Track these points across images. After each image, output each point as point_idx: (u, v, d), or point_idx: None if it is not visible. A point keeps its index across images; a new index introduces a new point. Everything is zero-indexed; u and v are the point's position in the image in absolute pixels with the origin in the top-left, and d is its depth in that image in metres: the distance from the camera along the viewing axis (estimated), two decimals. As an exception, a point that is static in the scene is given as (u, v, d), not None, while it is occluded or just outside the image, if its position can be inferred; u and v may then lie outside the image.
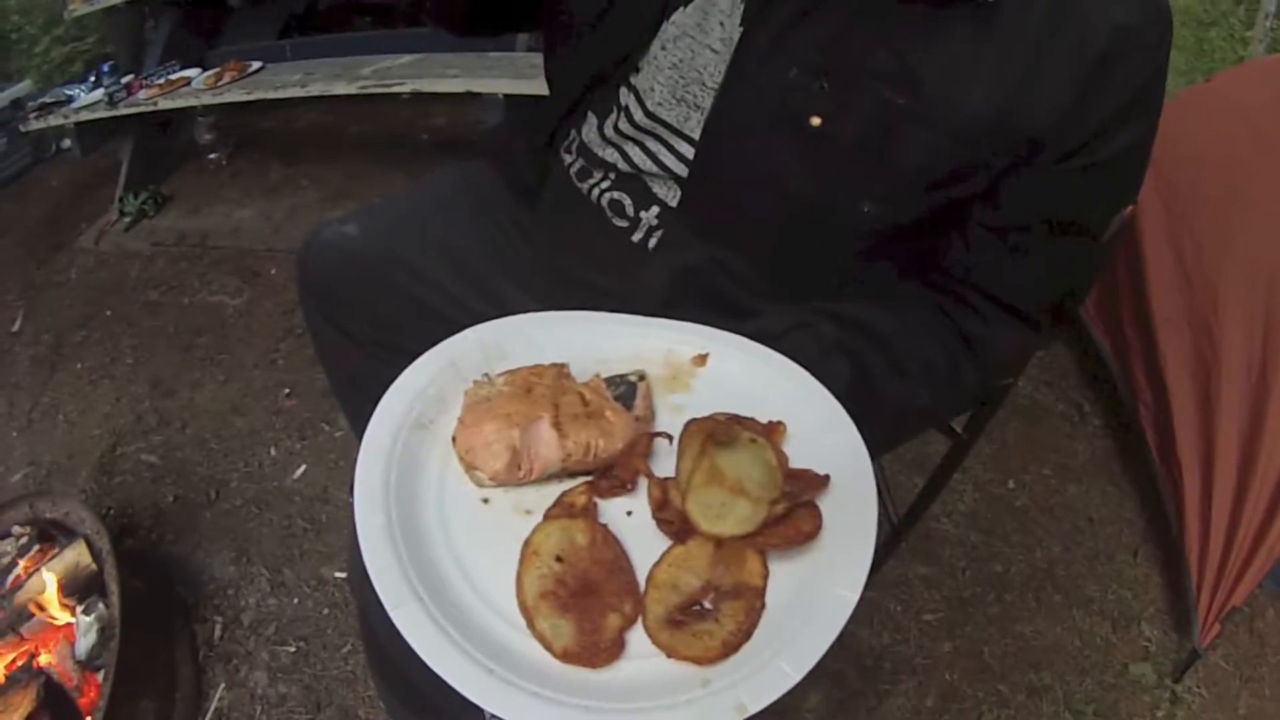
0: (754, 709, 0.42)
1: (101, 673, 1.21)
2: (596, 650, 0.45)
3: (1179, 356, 1.63)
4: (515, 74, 2.33)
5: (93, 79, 3.12)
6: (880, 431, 0.65)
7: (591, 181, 0.83)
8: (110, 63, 3.01)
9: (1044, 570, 1.62)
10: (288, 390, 2.02)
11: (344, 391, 1.01)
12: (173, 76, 2.91)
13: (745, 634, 0.45)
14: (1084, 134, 0.64)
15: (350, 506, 0.54)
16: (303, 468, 1.81)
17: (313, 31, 3.32)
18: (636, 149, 0.79)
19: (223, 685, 1.41)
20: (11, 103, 3.71)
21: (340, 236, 0.92)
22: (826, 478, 0.51)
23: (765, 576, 0.48)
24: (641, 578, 0.50)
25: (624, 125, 0.79)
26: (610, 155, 0.81)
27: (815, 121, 0.66)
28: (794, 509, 0.49)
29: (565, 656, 0.45)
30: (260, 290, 2.45)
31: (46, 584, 1.28)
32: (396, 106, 3.43)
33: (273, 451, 1.86)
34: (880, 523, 0.49)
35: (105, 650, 1.23)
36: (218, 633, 1.49)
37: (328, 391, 1.86)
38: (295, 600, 1.54)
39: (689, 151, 0.74)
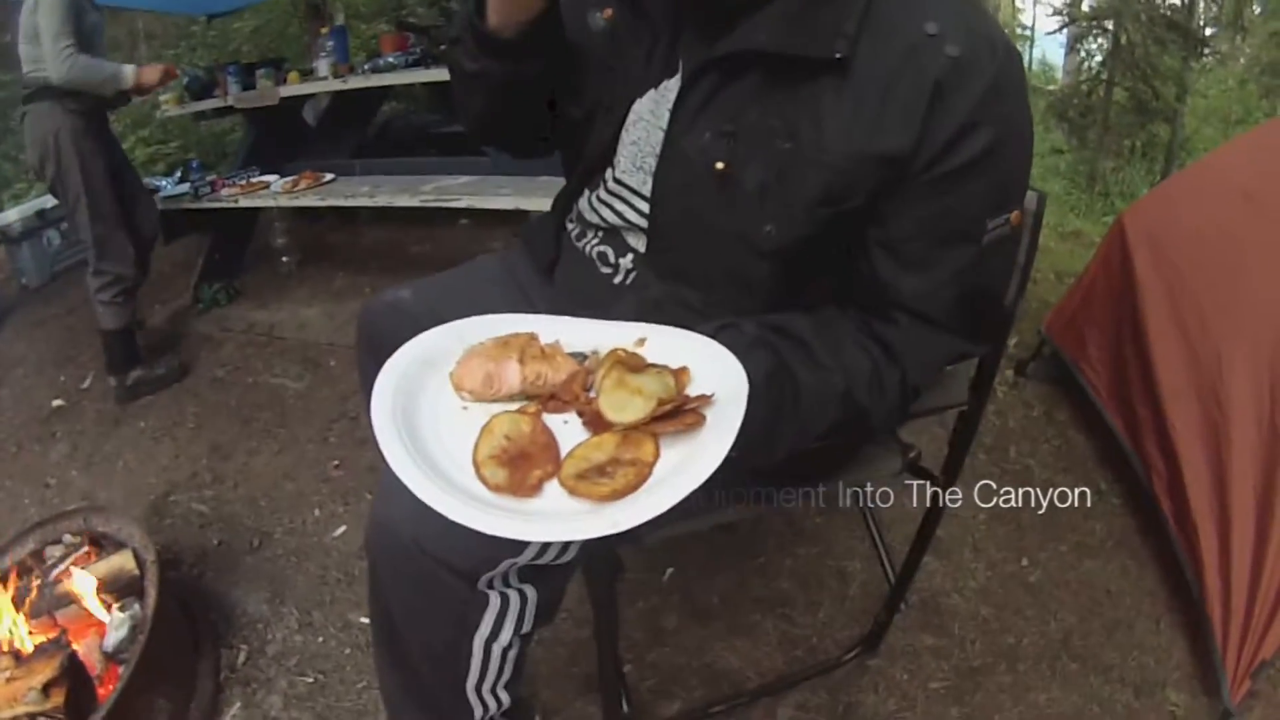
0: (625, 525, 0.59)
1: (125, 666, 1.28)
2: (521, 487, 0.64)
3: (1188, 424, 1.64)
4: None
5: (179, 174, 3.44)
6: (806, 413, 0.82)
7: (585, 240, 1.05)
8: (197, 161, 3.35)
9: (1059, 641, 1.56)
10: (336, 463, 2.12)
11: None
12: (253, 179, 3.21)
13: (632, 488, 0.63)
14: (934, 148, 0.78)
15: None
16: (343, 528, 1.89)
17: (382, 155, 3.64)
18: (609, 210, 1.00)
19: (238, 704, 1.46)
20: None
21: (396, 298, 1.17)
22: (710, 397, 0.68)
23: (657, 456, 0.65)
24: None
25: (602, 193, 1.01)
26: (594, 217, 1.02)
27: (720, 166, 0.85)
28: (683, 412, 0.67)
29: (497, 490, 0.65)
30: (320, 378, 2.60)
31: (87, 580, 1.39)
32: (455, 231, 3.67)
33: (317, 513, 1.96)
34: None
35: (133, 646, 1.31)
36: (241, 658, 1.55)
37: (373, 466, 1.99)
38: (320, 639, 1.60)
39: (645, 207, 0.95)
